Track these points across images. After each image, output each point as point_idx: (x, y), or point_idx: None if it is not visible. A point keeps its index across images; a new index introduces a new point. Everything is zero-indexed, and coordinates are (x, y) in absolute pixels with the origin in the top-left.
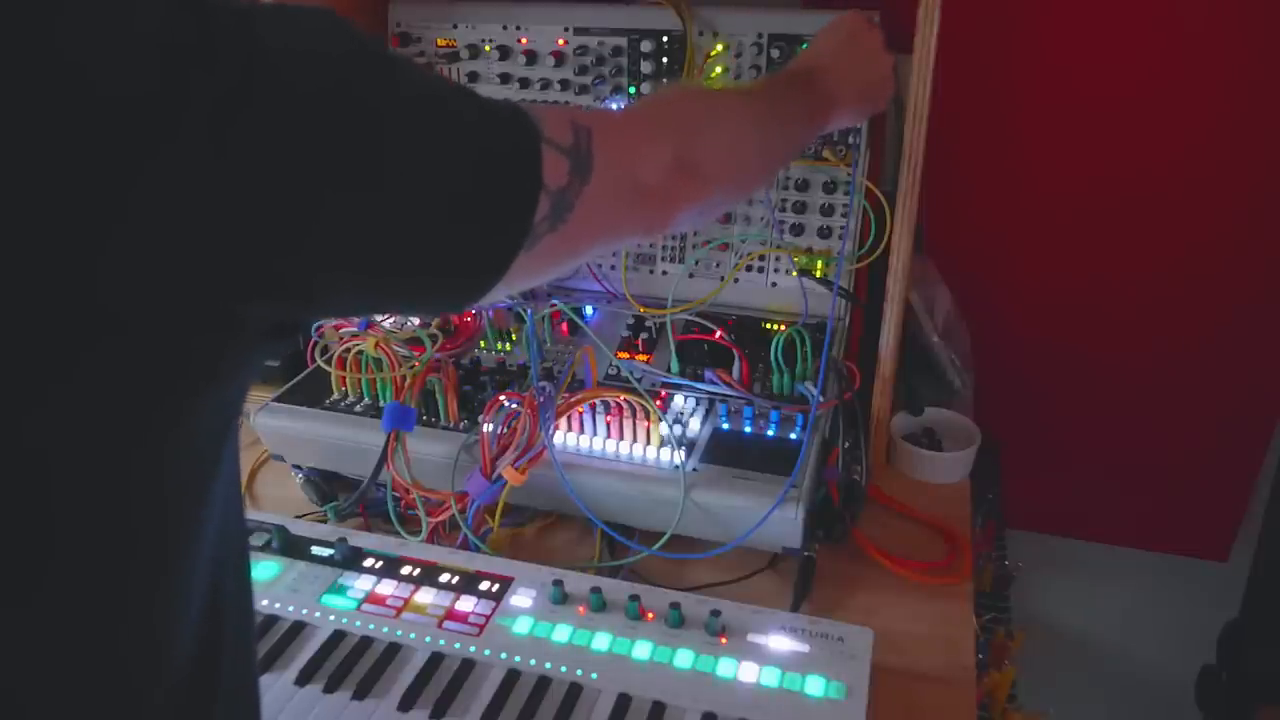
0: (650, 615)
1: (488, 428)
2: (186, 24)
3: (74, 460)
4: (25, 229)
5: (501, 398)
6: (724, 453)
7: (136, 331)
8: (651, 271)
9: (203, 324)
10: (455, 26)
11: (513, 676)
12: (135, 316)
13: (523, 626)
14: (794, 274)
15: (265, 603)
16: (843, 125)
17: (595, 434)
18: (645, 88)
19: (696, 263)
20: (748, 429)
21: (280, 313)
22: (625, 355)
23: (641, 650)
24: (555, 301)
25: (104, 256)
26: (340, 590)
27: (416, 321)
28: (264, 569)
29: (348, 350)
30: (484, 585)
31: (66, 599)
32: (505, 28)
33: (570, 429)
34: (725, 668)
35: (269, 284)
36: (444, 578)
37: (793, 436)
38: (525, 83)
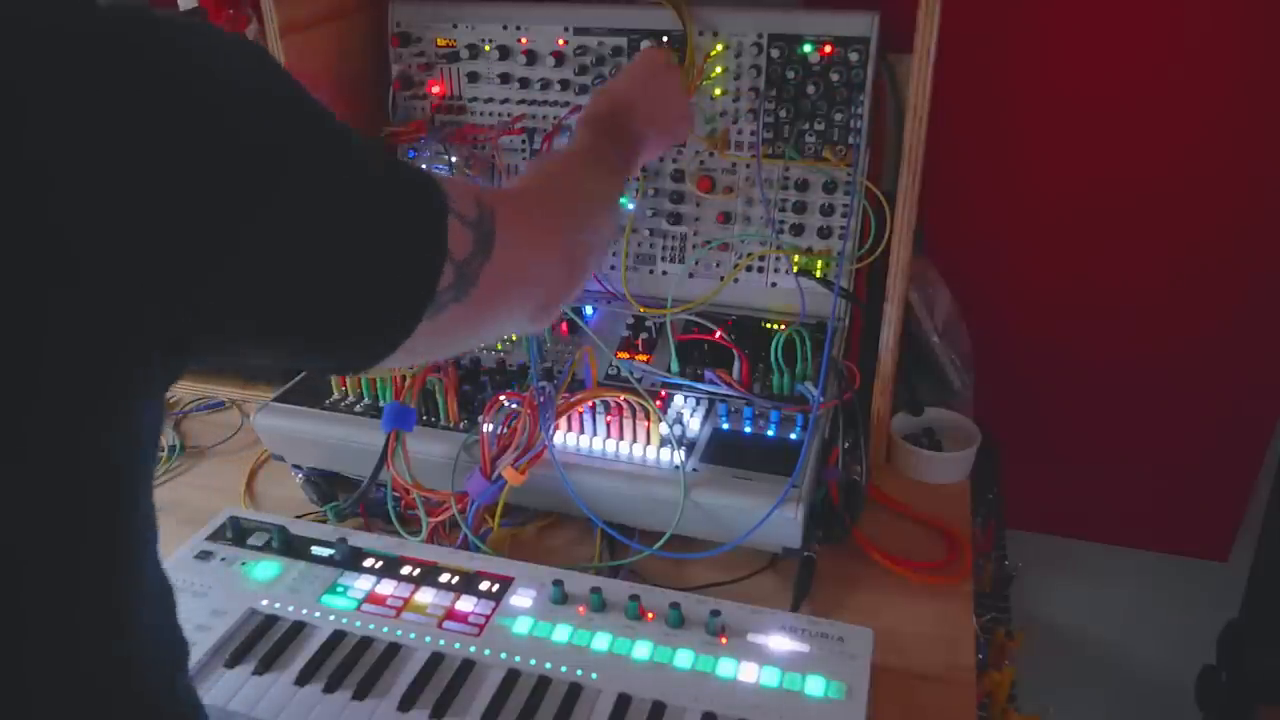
0: (650, 615)
1: (488, 428)
2: None
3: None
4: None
5: (501, 398)
6: (724, 453)
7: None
8: (651, 271)
9: (131, 326)
10: (455, 26)
11: (513, 676)
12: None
13: (523, 626)
14: (794, 271)
15: (265, 603)
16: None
17: (595, 434)
18: None
19: (696, 263)
20: (748, 429)
21: (192, 341)
22: (625, 355)
23: (641, 650)
24: None
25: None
26: (340, 590)
27: None
28: (264, 569)
29: None
30: (484, 585)
31: (22, 575)
32: (505, 28)
33: (570, 429)
34: (725, 668)
35: (183, 307)
36: (444, 578)
37: (793, 436)
38: (525, 83)
